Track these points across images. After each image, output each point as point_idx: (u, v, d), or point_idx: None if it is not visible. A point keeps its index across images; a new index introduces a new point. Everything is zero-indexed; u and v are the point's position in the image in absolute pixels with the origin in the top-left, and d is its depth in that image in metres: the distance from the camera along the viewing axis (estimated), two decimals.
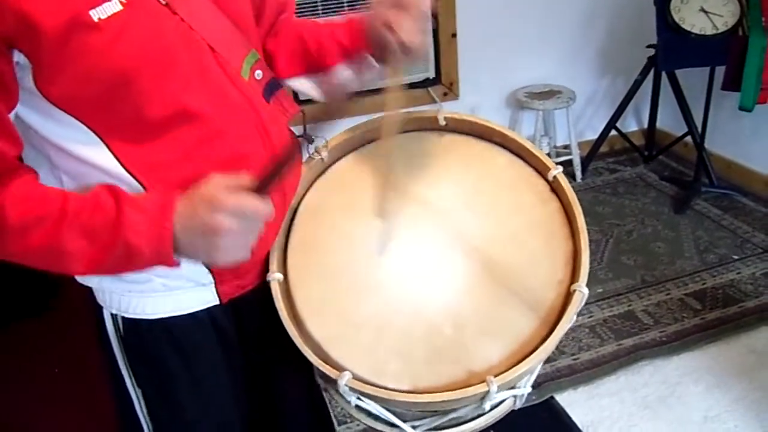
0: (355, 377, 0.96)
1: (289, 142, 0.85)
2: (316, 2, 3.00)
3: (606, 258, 2.80)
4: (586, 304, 2.47)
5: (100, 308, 1.01)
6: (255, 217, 0.81)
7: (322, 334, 1.00)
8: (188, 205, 0.81)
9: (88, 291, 1.01)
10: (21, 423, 2.21)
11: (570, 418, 2.02)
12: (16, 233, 0.79)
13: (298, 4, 2.94)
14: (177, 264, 0.84)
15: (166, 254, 0.82)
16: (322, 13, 3.02)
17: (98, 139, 0.84)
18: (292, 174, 1.07)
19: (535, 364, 0.98)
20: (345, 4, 3.03)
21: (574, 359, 2.25)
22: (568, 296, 1.01)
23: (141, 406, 1.05)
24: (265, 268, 1.04)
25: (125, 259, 0.83)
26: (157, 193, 0.85)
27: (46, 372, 2.38)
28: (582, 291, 1.00)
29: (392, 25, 0.97)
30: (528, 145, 1.12)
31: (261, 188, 0.81)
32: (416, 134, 1.18)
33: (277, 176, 0.82)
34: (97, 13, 0.76)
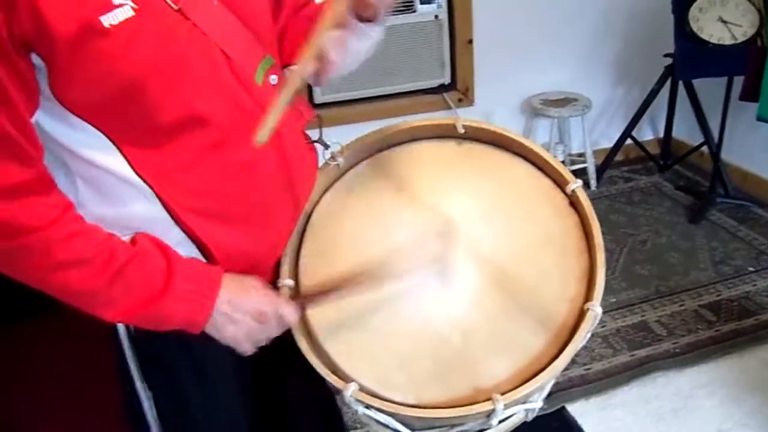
0: (362, 389, 0.95)
1: (351, 277, 0.97)
2: None
3: (620, 267, 2.78)
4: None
5: None
6: (285, 326, 0.96)
7: (331, 343, 0.99)
8: (238, 283, 0.92)
9: None
10: (28, 423, 2.21)
11: (581, 428, 2.00)
12: (60, 269, 0.82)
13: None
14: (200, 330, 0.91)
15: (201, 322, 0.90)
16: None
17: (111, 144, 0.84)
18: (306, 178, 1.07)
19: (544, 383, 0.96)
20: None
21: (587, 369, 2.23)
22: (581, 314, 0.99)
23: (151, 408, 1.05)
24: (276, 274, 1.04)
25: (157, 317, 0.89)
26: (205, 264, 0.92)
27: (54, 371, 2.38)
28: (595, 310, 0.98)
29: None
30: (547, 156, 1.10)
31: (307, 304, 0.98)
32: (434, 141, 1.16)
33: (327, 300, 0.97)
34: (108, 19, 0.76)
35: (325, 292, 0.97)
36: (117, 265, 0.84)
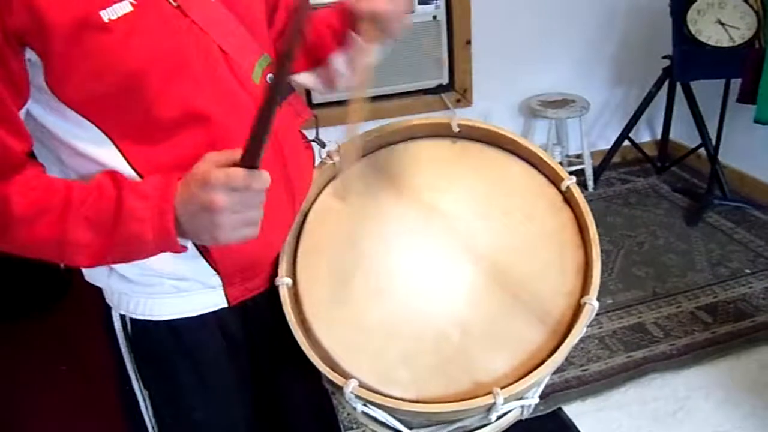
0: (362, 385, 0.95)
1: (266, 88, 0.80)
2: None
3: (617, 269, 2.78)
4: (596, 314, 2.46)
5: (108, 309, 1.01)
6: (248, 190, 0.77)
7: (330, 340, 0.99)
8: (185, 185, 0.79)
9: (98, 291, 1.01)
10: (26, 421, 2.21)
11: (578, 430, 2.00)
12: (22, 224, 0.79)
13: None
14: (183, 249, 0.83)
15: (170, 239, 0.81)
16: None
17: (107, 139, 0.84)
18: (303, 177, 1.07)
19: (542, 377, 0.96)
20: None
21: (583, 370, 2.24)
22: (578, 308, 1.00)
23: (147, 407, 1.05)
24: (274, 272, 1.04)
25: (131, 247, 0.82)
26: (158, 177, 0.83)
27: (53, 370, 2.38)
28: (592, 304, 0.99)
29: None
30: (541, 153, 1.11)
31: (248, 159, 0.76)
32: (429, 140, 1.17)
33: (260, 141, 0.76)
34: (108, 14, 0.76)
35: (255, 131, 0.75)
36: (74, 207, 0.80)
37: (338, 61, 1.06)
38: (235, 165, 0.76)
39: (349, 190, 1.09)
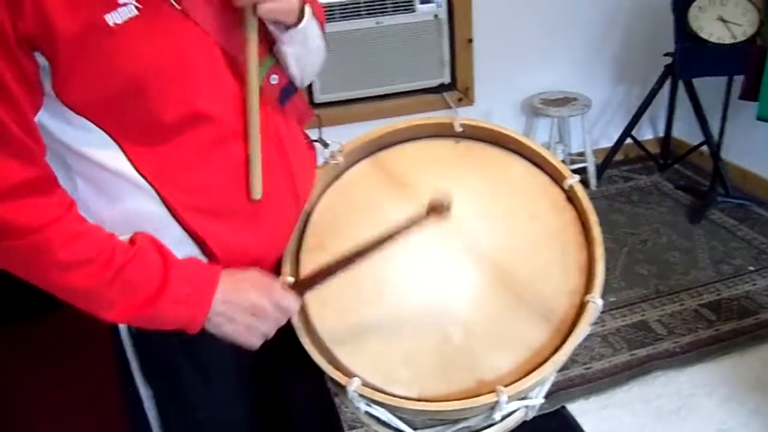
0: (365, 384, 0.96)
1: (344, 258, 0.95)
2: (359, 4, 2.99)
3: (620, 267, 2.78)
4: (600, 312, 2.46)
5: None
6: (287, 314, 0.95)
7: (333, 339, 1.00)
8: (234, 280, 0.91)
9: None
10: (30, 422, 2.22)
11: (581, 428, 2.00)
12: (62, 269, 0.82)
13: (341, 6, 2.95)
14: (197, 331, 0.91)
15: (197, 324, 0.90)
16: (365, 15, 3.01)
17: (113, 142, 0.84)
18: (307, 177, 1.07)
19: (546, 375, 0.96)
20: (388, 7, 3.02)
21: (587, 368, 2.23)
22: (581, 307, 1.00)
23: (151, 406, 1.05)
24: (278, 272, 1.04)
25: (159, 318, 0.89)
26: (201, 262, 0.92)
27: (56, 371, 2.39)
28: (595, 302, 0.99)
29: None
30: (544, 152, 1.11)
31: (303, 289, 0.97)
32: (432, 140, 1.17)
33: (319, 282, 0.96)
34: (113, 18, 0.77)
35: (321, 272, 0.96)
36: (116, 266, 0.84)
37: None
38: (290, 285, 0.97)
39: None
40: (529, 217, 1.09)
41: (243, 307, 0.91)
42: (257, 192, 0.92)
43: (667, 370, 2.19)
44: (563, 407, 2.08)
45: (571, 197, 1.10)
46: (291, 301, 0.95)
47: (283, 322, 0.96)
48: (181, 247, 0.91)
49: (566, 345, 0.96)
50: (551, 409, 2.06)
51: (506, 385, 0.93)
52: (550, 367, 0.95)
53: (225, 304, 0.90)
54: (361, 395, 0.95)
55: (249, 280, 0.93)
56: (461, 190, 1.11)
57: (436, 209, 0.94)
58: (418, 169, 1.13)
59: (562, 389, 2.14)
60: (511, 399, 0.93)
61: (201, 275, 0.90)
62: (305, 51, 1.00)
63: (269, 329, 0.94)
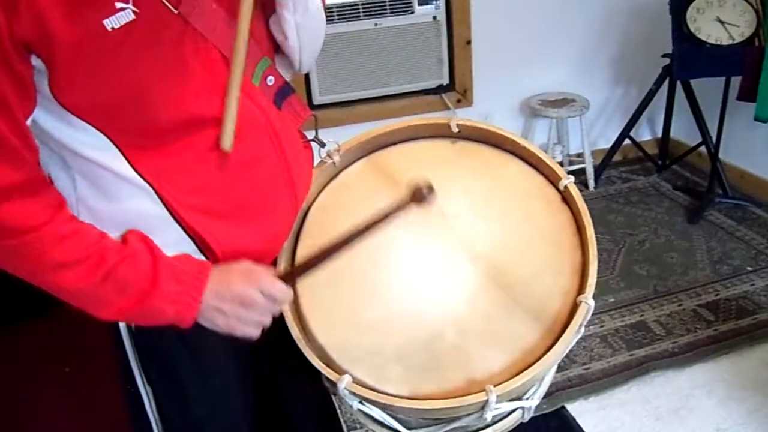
0: (356, 381, 0.96)
1: (331, 246, 0.94)
2: (357, 6, 3.00)
3: (618, 267, 2.78)
4: (598, 313, 2.47)
5: None
6: (279, 302, 0.94)
7: (326, 337, 1.00)
8: (224, 274, 0.90)
9: None
10: (30, 421, 2.22)
11: (581, 428, 2.00)
12: (57, 268, 0.83)
13: (339, 8, 2.95)
14: (190, 326, 0.91)
15: (189, 320, 0.90)
16: (364, 17, 3.02)
17: (112, 145, 0.85)
18: (304, 177, 1.07)
19: (537, 376, 0.96)
20: (387, 8, 3.03)
21: (586, 369, 2.24)
22: (574, 307, 1.00)
23: (151, 404, 1.06)
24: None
25: (151, 316, 0.89)
26: (192, 259, 0.92)
27: (57, 369, 2.39)
28: (588, 303, 0.99)
29: None
30: (540, 153, 1.12)
31: (291, 278, 0.95)
32: (428, 141, 1.17)
33: (310, 270, 0.95)
34: (111, 23, 0.77)
35: (310, 260, 0.95)
36: (108, 265, 0.85)
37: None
38: (279, 275, 0.94)
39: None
40: (524, 217, 1.09)
41: (232, 299, 0.90)
42: (227, 144, 0.88)
43: (665, 370, 2.19)
44: (562, 407, 2.08)
45: (566, 198, 1.10)
46: (280, 289, 0.93)
47: (277, 311, 0.95)
48: (180, 246, 0.92)
49: (558, 345, 0.96)
50: (550, 410, 2.06)
51: (496, 385, 0.93)
52: (540, 367, 0.95)
53: (215, 298, 0.90)
54: (352, 392, 0.96)
55: (236, 271, 0.92)
56: (457, 189, 1.12)
57: (416, 194, 0.94)
58: (414, 169, 1.13)
59: (562, 389, 2.14)
60: (500, 399, 0.93)
61: (191, 272, 0.90)
62: (305, 21, 1.00)
63: (262, 319, 0.94)
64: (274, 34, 1.02)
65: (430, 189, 0.94)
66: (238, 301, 0.90)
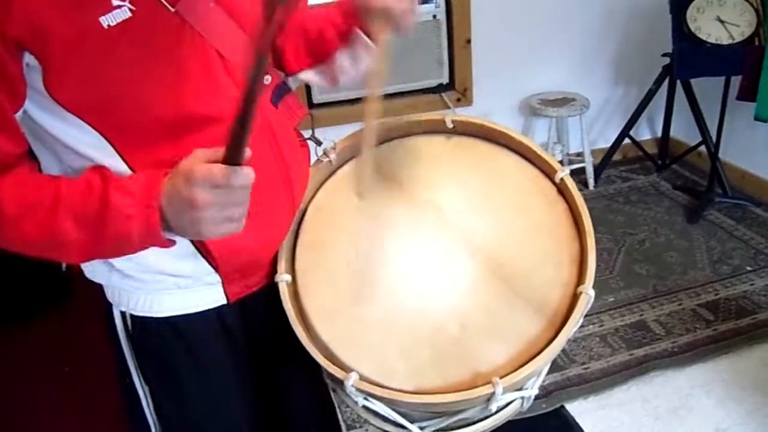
0: (362, 378, 0.96)
1: (244, 84, 0.72)
2: None
3: (618, 267, 2.78)
4: (598, 312, 2.48)
5: (109, 306, 1.01)
6: (230, 187, 0.77)
7: (330, 335, 1.00)
8: (171, 180, 0.80)
9: (99, 289, 1.02)
10: (29, 420, 2.22)
11: (580, 428, 2.00)
12: (13, 220, 0.80)
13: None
14: (170, 243, 0.84)
15: (155, 235, 0.81)
16: None
17: (106, 142, 0.84)
18: (301, 175, 1.07)
19: (541, 366, 0.98)
20: None
21: (585, 368, 2.24)
22: (574, 298, 1.01)
23: (148, 404, 1.06)
24: (274, 269, 1.05)
25: (119, 243, 0.83)
26: (145, 174, 0.83)
27: (55, 369, 2.39)
28: (588, 293, 1.00)
29: None
30: (534, 147, 1.13)
31: (230, 156, 0.76)
32: (424, 137, 1.18)
33: (240, 138, 0.75)
34: (107, 20, 0.77)
35: (233, 135, 0.75)
36: (62, 202, 0.80)
37: (342, 58, 1.07)
38: (218, 162, 0.76)
39: (367, 185, 1.09)
40: (521, 210, 1.10)
41: (184, 205, 0.78)
42: (363, 191, 0.95)
43: (665, 369, 2.19)
44: (562, 407, 2.08)
45: (561, 190, 1.11)
46: (221, 174, 0.76)
47: (241, 197, 0.79)
48: (177, 244, 0.91)
49: (560, 336, 0.97)
50: (550, 409, 2.06)
51: (502, 377, 0.94)
52: (544, 358, 0.96)
53: (171, 208, 0.80)
54: (359, 389, 0.96)
55: (179, 175, 0.79)
56: (454, 184, 1.13)
57: None
58: (410, 165, 1.14)
59: (561, 389, 2.13)
60: (506, 390, 0.94)
61: (142, 184, 0.82)
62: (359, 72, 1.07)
63: (230, 212, 0.79)
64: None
65: None
66: (188, 206, 0.77)
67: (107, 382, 1.10)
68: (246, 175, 0.77)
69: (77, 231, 0.81)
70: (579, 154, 3.47)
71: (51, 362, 2.43)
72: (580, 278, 1.03)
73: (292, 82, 1.10)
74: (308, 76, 1.10)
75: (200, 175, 0.76)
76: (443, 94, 3.28)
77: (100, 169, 0.84)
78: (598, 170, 3.47)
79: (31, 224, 0.80)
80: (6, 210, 0.79)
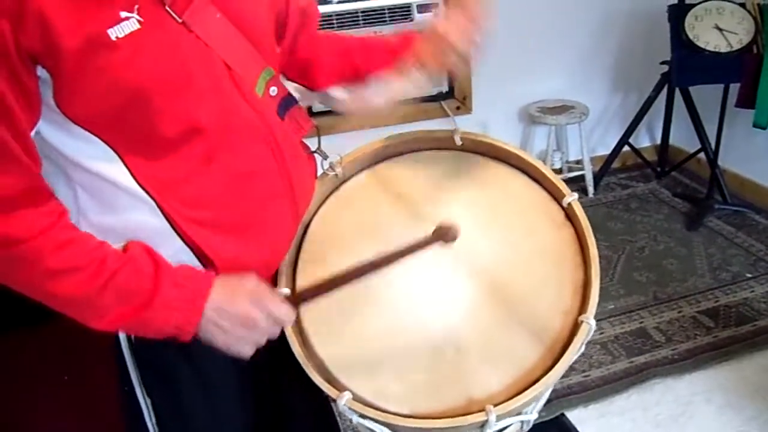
0: (356, 398, 0.95)
1: (343, 275, 0.93)
2: (357, 14, 3.00)
3: (618, 274, 2.79)
4: (598, 320, 2.46)
5: None
6: (280, 326, 0.93)
7: (327, 352, 0.99)
8: (228, 289, 0.89)
9: None
10: (30, 429, 2.21)
11: None
12: (51, 277, 0.82)
13: (339, 16, 2.95)
14: (189, 337, 0.89)
15: (189, 331, 0.88)
16: (363, 24, 3.02)
17: (114, 155, 0.85)
18: (306, 189, 1.07)
19: (536, 395, 0.96)
20: (386, 17, 3.03)
21: (585, 376, 2.24)
22: (575, 327, 0.99)
23: (150, 416, 1.05)
24: (274, 283, 1.05)
25: (148, 325, 0.87)
26: (193, 269, 0.90)
27: (55, 379, 2.39)
28: (589, 323, 0.98)
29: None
30: (544, 169, 1.11)
31: (298, 301, 0.95)
32: (431, 153, 1.17)
33: (317, 296, 0.94)
34: (115, 32, 0.77)
35: (319, 287, 0.94)
36: (108, 273, 0.83)
37: (375, 84, 1.08)
38: (285, 297, 0.94)
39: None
40: (527, 232, 1.08)
41: (235, 317, 0.88)
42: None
43: (665, 377, 2.19)
44: (562, 415, 2.08)
45: (569, 215, 1.09)
46: (285, 313, 0.92)
47: (276, 333, 0.93)
48: (180, 258, 0.91)
49: (558, 365, 0.95)
50: (550, 417, 2.06)
51: (496, 405, 0.92)
52: (540, 387, 0.94)
53: (216, 312, 0.88)
54: (352, 409, 0.95)
55: (243, 288, 0.90)
56: (459, 203, 1.11)
57: (443, 236, 0.94)
58: (416, 181, 1.13)
59: (561, 397, 2.14)
60: (500, 418, 0.93)
61: (193, 281, 0.89)
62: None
63: (260, 339, 0.92)
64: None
65: (456, 235, 0.95)
66: (240, 320, 0.88)
67: (107, 392, 1.10)
68: (293, 320, 0.95)
69: (116, 303, 0.85)
70: (578, 162, 3.48)
71: (51, 371, 2.42)
72: (583, 307, 1.01)
73: (318, 98, 1.13)
74: (337, 92, 1.12)
75: (274, 307, 0.91)
76: (443, 102, 3.28)
77: (148, 250, 0.88)
78: (597, 178, 3.47)
79: (69, 284, 0.83)
80: (47, 264, 0.81)
